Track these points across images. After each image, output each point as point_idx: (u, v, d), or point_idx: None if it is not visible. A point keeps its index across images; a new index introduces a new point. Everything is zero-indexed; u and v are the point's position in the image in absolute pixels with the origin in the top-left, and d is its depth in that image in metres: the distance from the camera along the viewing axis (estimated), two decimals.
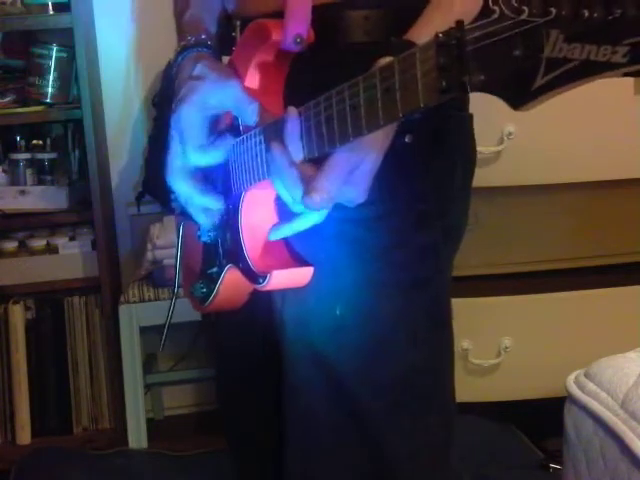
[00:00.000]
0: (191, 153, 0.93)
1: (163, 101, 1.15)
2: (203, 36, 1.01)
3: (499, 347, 2.08)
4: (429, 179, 0.98)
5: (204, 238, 1.02)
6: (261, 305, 1.04)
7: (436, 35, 0.61)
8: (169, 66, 1.08)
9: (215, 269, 1.01)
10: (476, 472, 2.00)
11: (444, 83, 0.60)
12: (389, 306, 0.98)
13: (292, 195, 0.83)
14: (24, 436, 2.46)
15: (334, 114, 0.75)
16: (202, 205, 0.97)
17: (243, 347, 1.16)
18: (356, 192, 0.83)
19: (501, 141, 1.93)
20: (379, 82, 0.68)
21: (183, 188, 0.96)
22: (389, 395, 0.99)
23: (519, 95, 0.57)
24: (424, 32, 0.84)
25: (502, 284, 2.11)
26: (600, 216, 2.11)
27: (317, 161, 0.82)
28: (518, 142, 1.94)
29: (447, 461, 1.07)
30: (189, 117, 0.92)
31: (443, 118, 0.96)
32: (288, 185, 0.82)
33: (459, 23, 0.59)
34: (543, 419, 1.94)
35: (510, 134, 1.93)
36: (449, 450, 1.07)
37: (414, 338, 0.99)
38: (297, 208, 0.85)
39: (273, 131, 0.85)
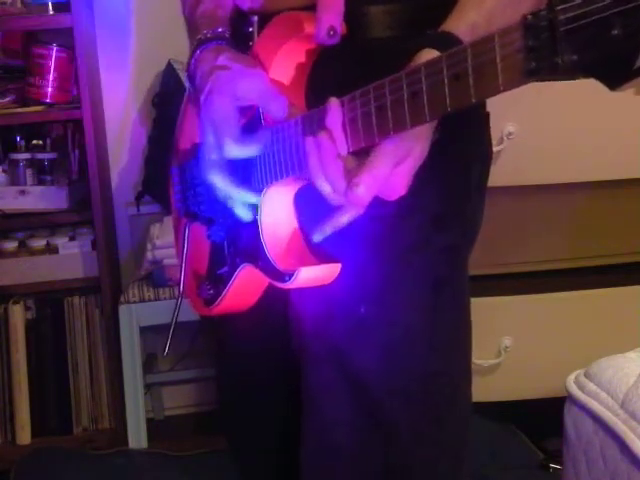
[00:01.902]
0: (228, 145, 0.91)
1: (163, 101, 1.15)
2: (220, 29, 0.99)
3: (499, 347, 2.08)
4: (448, 178, 0.97)
5: (214, 237, 1.01)
6: (275, 305, 1.03)
7: (524, 17, 0.60)
8: (169, 66, 1.07)
9: (226, 269, 1.00)
10: (476, 472, 1.99)
11: (534, 64, 0.60)
12: (410, 306, 0.97)
13: (335, 188, 0.82)
14: (24, 436, 2.46)
15: (388, 103, 0.74)
16: (240, 199, 0.94)
17: (251, 347, 1.15)
18: (398, 186, 0.82)
19: (501, 141, 1.93)
20: (446, 68, 0.68)
21: (220, 182, 0.93)
22: (408, 397, 0.98)
23: (617, 75, 0.56)
24: (461, 23, 0.82)
25: (502, 284, 2.11)
26: (600, 216, 2.11)
27: (358, 154, 0.81)
28: (518, 142, 1.93)
29: (461, 469, 1.06)
30: (222, 108, 0.91)
31: (461, 117, 0.95)
32: (332, 177, 0.81)
33: (550, 4, 0.58)
34: (543, 419, 1.94)
35: (510, 134, 1.93)
36: (464, 454, 1.06)
37: (435, 340, 0.98)
38: (337, 201, 0.84)
39: (313, 123, 0.83)
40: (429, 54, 0.78)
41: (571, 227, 2.12)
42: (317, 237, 0.88)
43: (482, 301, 2.02)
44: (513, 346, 2.08)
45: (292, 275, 0.88)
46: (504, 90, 0.64)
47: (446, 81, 0.68)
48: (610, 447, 1.07)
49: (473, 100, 0.66)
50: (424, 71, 0.70)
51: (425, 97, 0.70)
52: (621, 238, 2.14)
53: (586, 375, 1.17)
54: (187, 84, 1.04)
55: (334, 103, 0.80)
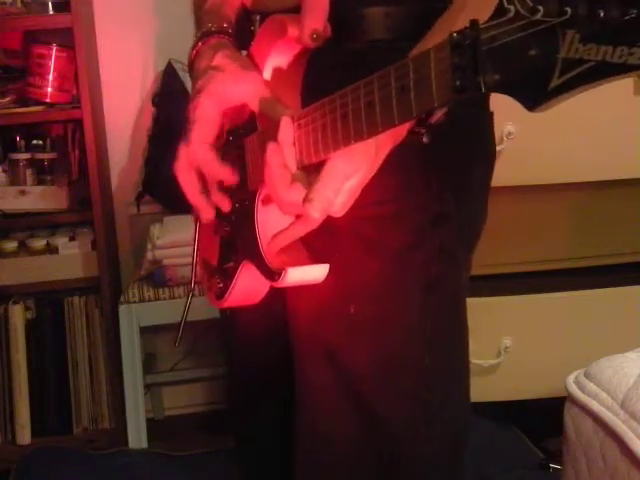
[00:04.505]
0: (194, 145, 0.92)
1: (163, 101, 1.15)
2: (225, 24, 0.99)
3: (499, 347, 2.08)
4: (446, 177, 0.97)
5: (220, 232, 1.02)
6: (277, 302, 1.03)
7: (450, 35, 0.61)
8: (169, 66, 1.07)
9: (231, 264, 1.01)
10: (476, 472, 1.99)
11: (458, 83, 0.60)
12: (404, 306, 0.97)
13: (284, 201, 0.83)
14: (24, 436, 2.46)
15: (349, 111, 0.75)
16: (194, 205, 0.96)
17: (259, 345, 1.15)
18: (341, 204, 0.83)
19: (501, 141, 1.93)
20: (394, 80, 0.68)
21: (184, 179, 0.94)
22: (400, 396, 0.98)
23: (534, 96, 0.56)
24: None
25: (502, 284, 2.11)
26: (600, 216, 2.11)
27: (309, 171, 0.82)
28: (518, 142, 1.94)
29: (461, 467, 1.06)
30: (205, 109, 0.91)
31: (462, 115, 0.95)
32: (282, 191, 0.83)
33: (473, 23, 0.59)
34: (543, 419, 1.94)
35: (510, 134, 1.93)
36: (463, 453, 1.06)
37: (430, 339, 0.98)
38: (289, 212, 0.85)
39: (270, 137, 0.84)
40: None
41: (571, 227, 2.12)
42: (272, 247, 0.89)
43: (482, 301, 2.02)
44: (513, 346, 2.08)
45: (281, 274, 0.89)
46: (439, 106, 0.64)
47: (394, 93, 0.68)
48: (610, 447, 1.07)
49: (414, 114, 0.67)
50: (377, 82, 0.71)
51: (378, 108, 0.71)
52: (621, 238, 2.14)
53: (586, 375, 1.17)
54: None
55: (285, 119, 0.82)
